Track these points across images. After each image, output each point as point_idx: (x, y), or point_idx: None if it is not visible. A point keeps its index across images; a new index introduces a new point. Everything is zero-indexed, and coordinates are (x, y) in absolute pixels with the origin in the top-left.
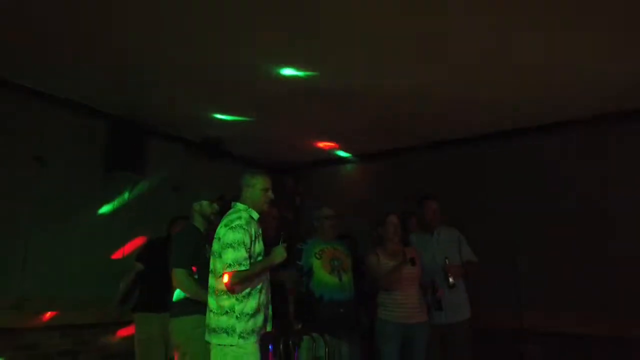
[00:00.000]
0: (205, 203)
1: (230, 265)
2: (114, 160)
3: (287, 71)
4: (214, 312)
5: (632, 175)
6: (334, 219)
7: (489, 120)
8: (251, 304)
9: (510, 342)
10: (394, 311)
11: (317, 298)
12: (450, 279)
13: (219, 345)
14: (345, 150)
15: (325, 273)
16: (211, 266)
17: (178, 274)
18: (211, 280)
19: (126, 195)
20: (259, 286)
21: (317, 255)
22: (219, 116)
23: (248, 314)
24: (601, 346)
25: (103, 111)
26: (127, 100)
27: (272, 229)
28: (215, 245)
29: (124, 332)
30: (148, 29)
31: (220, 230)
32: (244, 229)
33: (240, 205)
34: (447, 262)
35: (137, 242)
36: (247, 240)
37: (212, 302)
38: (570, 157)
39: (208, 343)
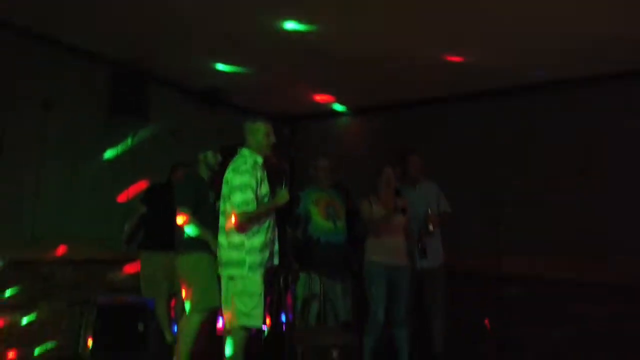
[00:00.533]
0: (209, 154)
1: (238, 206)
2: (117, 106)
3: (289, 24)
4: (225, 248)
5: (615, 130)
6: (330, 169)
7: (480, 80)
8: (259, 239)
9: (489, 285)
10: (382, 255)
11: (314, 241)
12: (430, 227)
13: (229, 276)
14: (341, 104)
15: (322, 219)
16: (222, 208)
17: (184, 212)
18: (222, 220)
19: (129, 140)
20: (265, 224)
21: (314, 202)
22: (219, 66)
23: (256, 249)
24: (580, 290)
25: (107, 58)
26: (130, 48)
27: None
28: (225, 189)
29: (130, 268)
30: None
31: (228, 175)
32: (249, 172)
33: (245, 151)
34: (429, 212)
35: (140, 186)
36: (253, 183)
37: (222, 239)
38: (552, 115)
39: (213, 276)
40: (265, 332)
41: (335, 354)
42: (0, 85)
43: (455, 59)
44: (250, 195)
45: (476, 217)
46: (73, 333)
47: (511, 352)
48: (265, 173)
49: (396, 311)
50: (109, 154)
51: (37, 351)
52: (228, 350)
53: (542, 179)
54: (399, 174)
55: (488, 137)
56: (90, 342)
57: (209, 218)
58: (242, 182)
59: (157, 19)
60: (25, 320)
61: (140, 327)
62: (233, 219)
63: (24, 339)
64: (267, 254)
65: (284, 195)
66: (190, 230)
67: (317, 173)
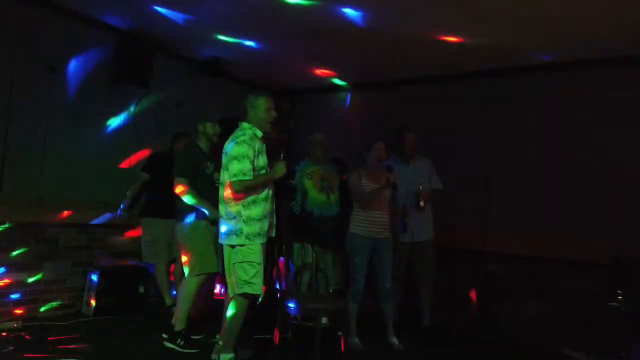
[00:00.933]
0: (208, 125)
1: (235, 175)
2: (120, 74)
3: None
4: (224, 218)
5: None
6: (325, 143)
7: (476, 59)
8: (257, 210)
9: (474, 262)
10: (365, 226)
11: (307, 213)
12: (421, 203)
13: (230, 245)
14: (341, 79)
15: (316, 192)
16: (221, 178)
17: (181, 182)
18: (221, 190)
19: (132, 108)
20: (263, 195)
21: (309, 176)
22: (221, 37)
23: (254, 219)
24: (565, 270)
25: (111, 26)
26: (133, 16)
27: (273, 138)
28: (224, 159)
29: (132, 233)
30: None
31: (227, 145)
32: (247, 143)
33: (245, 124)
34: (421, 188)
35: (142, 154)
36: (251, 154)
37: (222, 209)
38: (545, 96)
39: (210, 243)
40: (260, 298)
41: (324, 319)
42: (4, 49)
43: (454, 39)
44: (247, 165)
45: (466, 194)
46: (77, 293)
47: (495, 324)
48: (264, 146)
49: (381, 284)
50: (112, 120)
51: (42, 309)
52: (230, 313)
53: (532, 160)
54: (393, 149)
55: (483, 116)
56: (93, 302)
57: (206, 188)
58: (240, 152)
59: None
60: (31, 280)
61: (141, 289)
62: (230, 187)
63: (30, 297)
64: (266, 224)
65: (281, 167)
66: (187, 199)
67: (313, 147)
